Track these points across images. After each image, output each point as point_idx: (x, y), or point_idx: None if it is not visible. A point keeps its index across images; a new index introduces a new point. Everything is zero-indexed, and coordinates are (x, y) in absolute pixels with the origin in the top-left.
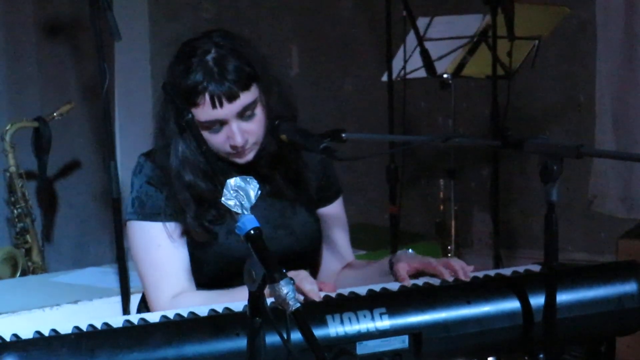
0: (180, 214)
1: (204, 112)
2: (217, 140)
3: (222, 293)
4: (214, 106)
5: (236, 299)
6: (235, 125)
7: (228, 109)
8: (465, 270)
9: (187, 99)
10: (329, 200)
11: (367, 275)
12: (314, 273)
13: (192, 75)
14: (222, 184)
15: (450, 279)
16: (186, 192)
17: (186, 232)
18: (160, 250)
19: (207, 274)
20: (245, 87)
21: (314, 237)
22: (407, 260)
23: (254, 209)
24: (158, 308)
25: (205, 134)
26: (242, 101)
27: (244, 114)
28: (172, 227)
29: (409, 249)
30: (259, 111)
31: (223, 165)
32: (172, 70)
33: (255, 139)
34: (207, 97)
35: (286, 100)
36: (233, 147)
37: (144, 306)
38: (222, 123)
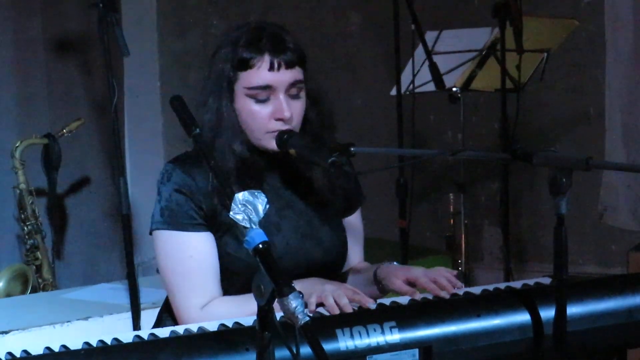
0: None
1: (259, 75)
2: (261, 114)
3: (250, 297)
4: (271, 68)
5: None
6: (283, 98)
7: (283, 76)
8: (453, 282)
9: (242, 61)
10: (351, 210)
11: (355, 284)
12: None
13: (251, 37)
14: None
15: (447, 295)
16: (233, 162)
17: (223, 230)
18: (192, 261)
19: (236, 284)
20: (300, 63)
21: (341, 250)
22: (395, 273)
23: (283, 218)
24: (188, 319)
25: (250, 105)
26: (296, 74)
27: (292, 90)
28: (204, 237)
29: (393, 262)
30: (303, 95)
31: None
32: (225, 39)
33: (296, 123)
34: (266, 58)
35: (323, 95)
36: (279, 119)
37: (167, 316)
38: (271, 92)
